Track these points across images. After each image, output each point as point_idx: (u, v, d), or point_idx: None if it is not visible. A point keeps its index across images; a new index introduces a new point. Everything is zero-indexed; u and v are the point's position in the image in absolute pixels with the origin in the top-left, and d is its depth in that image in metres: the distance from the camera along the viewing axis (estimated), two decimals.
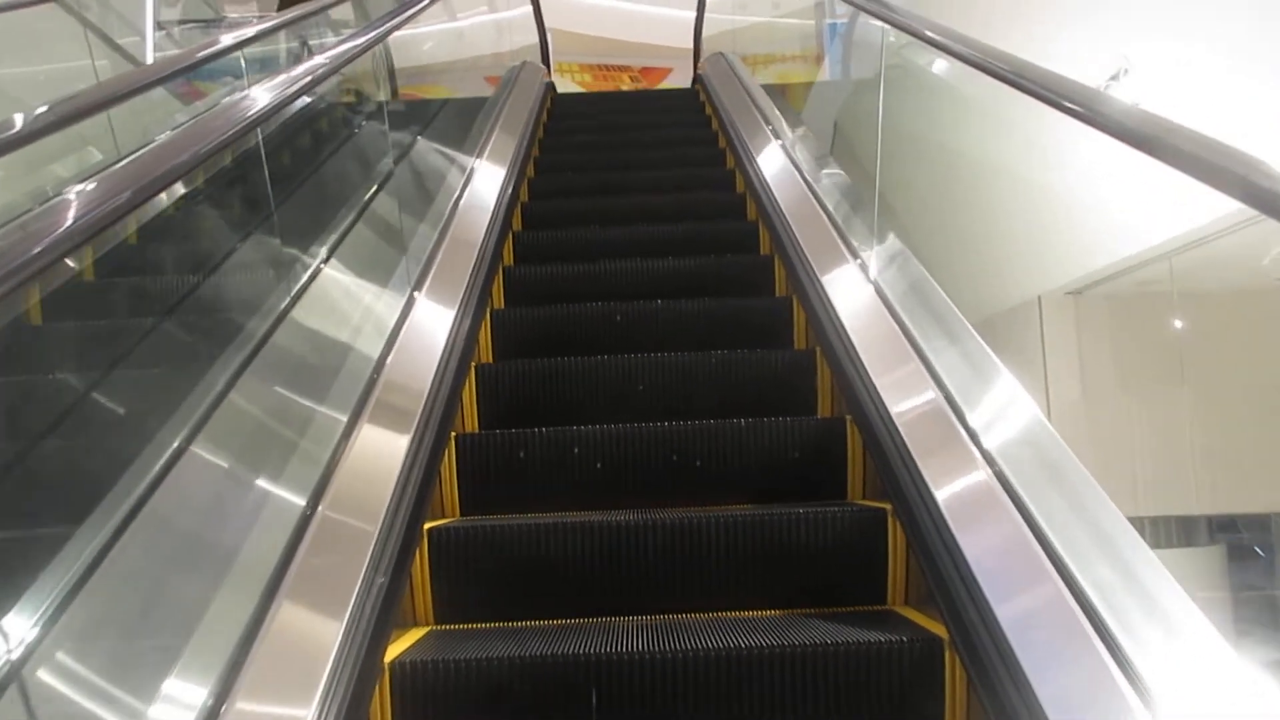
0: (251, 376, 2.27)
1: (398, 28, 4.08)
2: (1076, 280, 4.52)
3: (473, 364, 3.14)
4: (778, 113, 5.32)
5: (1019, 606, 1.88)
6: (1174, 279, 4.29)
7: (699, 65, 7.54)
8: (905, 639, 2.03)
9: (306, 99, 3.09)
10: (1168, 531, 4.62)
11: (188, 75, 4.04)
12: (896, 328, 2.85)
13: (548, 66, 7.85)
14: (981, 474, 2.20)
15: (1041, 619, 1.83)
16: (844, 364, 2.88)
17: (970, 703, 1.96)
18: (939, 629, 2.06)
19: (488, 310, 3.48)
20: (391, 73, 6.05)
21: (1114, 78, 4.62)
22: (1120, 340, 4.84)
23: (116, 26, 4.91)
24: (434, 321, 3.07)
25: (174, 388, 2.20)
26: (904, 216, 3.35)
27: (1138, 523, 1.87)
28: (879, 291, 3.08)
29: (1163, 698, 1.55)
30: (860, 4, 3.88)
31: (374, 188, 3.65)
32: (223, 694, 1.57)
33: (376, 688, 1.90)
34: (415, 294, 3.17)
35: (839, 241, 3.51)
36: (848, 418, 2.79)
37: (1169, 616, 1.73)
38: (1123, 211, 3.69)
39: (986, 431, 2.31)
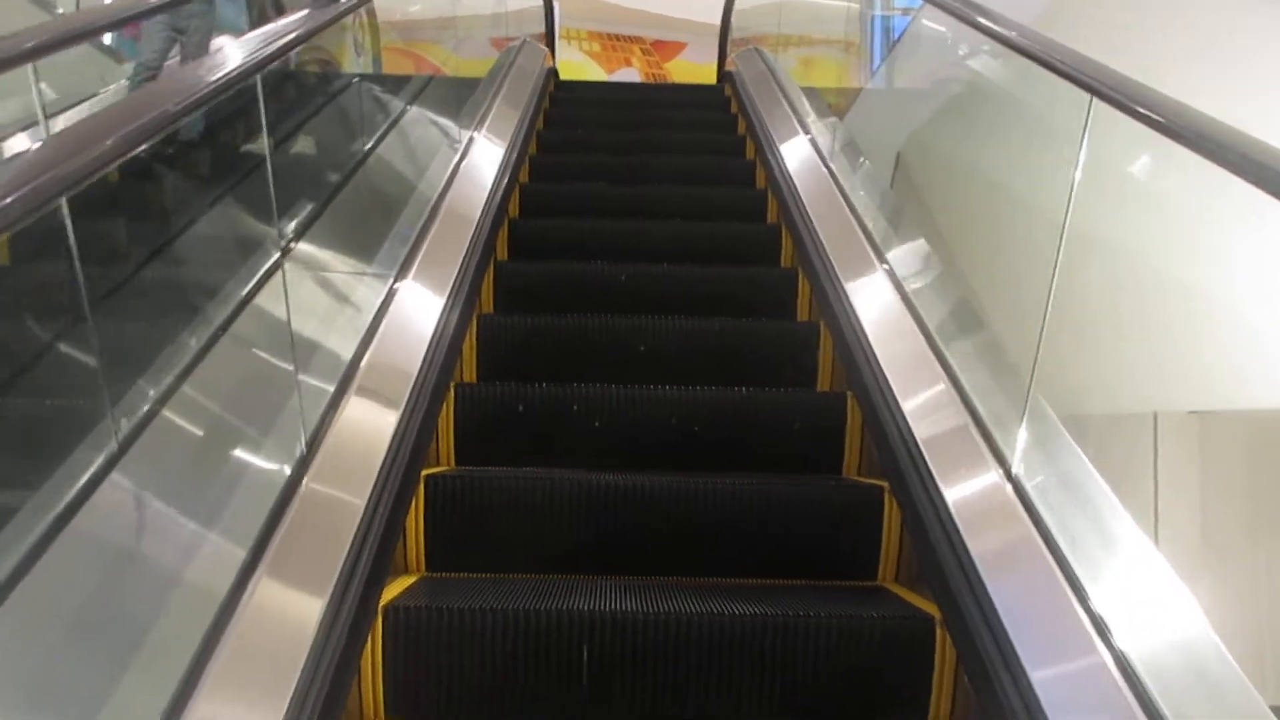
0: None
1: None
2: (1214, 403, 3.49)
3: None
4: (834, 141, 4.14)
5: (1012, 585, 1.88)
6: None
7: (727, 60, 6.30)
8: (898, 614, 2.04)
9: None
10: None
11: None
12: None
13: (552, 48, 6.85)
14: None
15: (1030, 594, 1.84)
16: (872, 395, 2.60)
17: (959, 677, 1.97)
18: (930, 607, 2.06)
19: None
20: (375, 30, 4.75)
21: None
22: (1261, 474, 3.67)
23: None
24: None
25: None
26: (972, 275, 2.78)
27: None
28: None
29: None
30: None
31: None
32: (220, 623, 1.56)
33: (370, 631, 1.89)
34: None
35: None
36: (848, 392, 2.78)
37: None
38: None
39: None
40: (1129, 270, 2.63)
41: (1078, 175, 2.05)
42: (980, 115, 3.48)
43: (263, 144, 2.13)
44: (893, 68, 4.91)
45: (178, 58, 4.74)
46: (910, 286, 2.95)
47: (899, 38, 4.81)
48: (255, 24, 4.50)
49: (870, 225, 3.41)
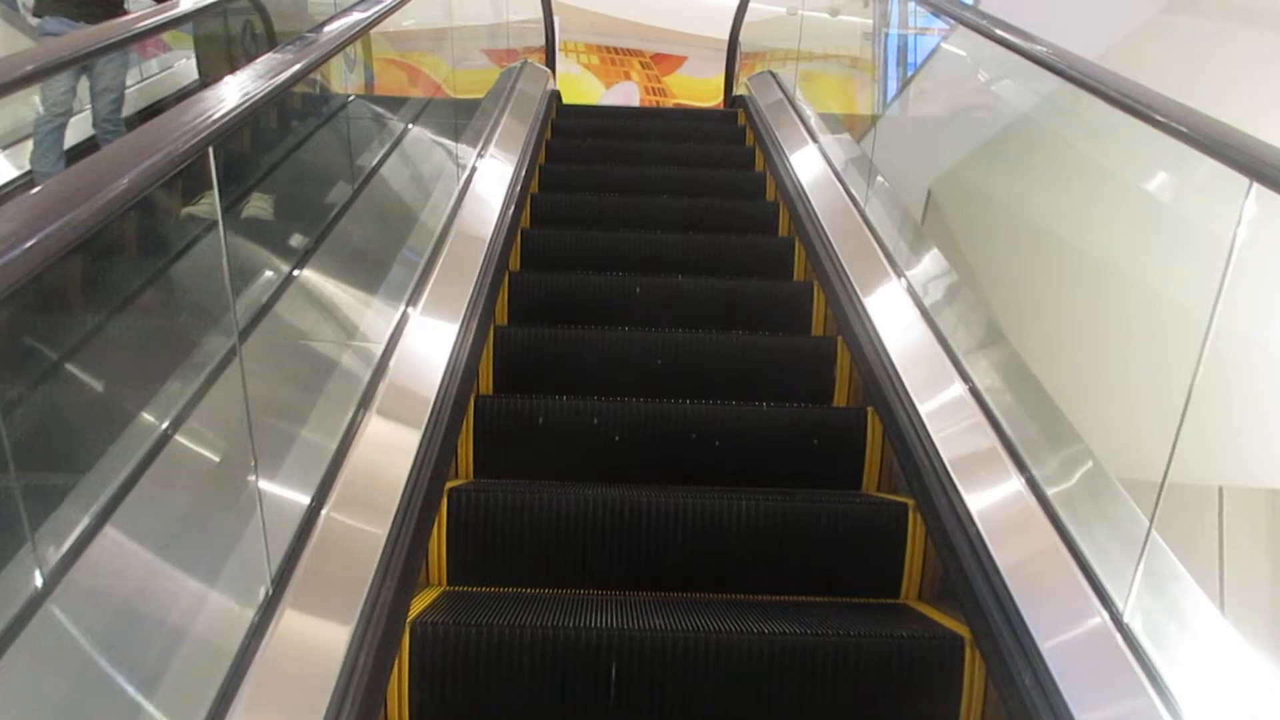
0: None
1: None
2: None
3: None
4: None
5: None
6: None
7: (735, 83, 6.11)
8: (928, 635, 2.02)
9: None
10: None
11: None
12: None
13: (552, 68, 6.59)
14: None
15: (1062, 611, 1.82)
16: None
17: (988, 696, 1.95)
18: (958, 626, 2.05)
19: None
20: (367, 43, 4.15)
21: None
22: None
23: None
24: None
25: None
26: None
27: None
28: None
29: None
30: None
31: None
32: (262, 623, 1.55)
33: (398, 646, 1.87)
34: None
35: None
36: (868, 408, 2.77)
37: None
38: None
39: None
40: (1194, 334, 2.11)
41: (1228, 269, 1.68)
42: (1049, 165, 3.08)
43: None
44: (924, 95, 4.34)
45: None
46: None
47: (926, 59, 4.32)
48: (240, 37, 4.40)
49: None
